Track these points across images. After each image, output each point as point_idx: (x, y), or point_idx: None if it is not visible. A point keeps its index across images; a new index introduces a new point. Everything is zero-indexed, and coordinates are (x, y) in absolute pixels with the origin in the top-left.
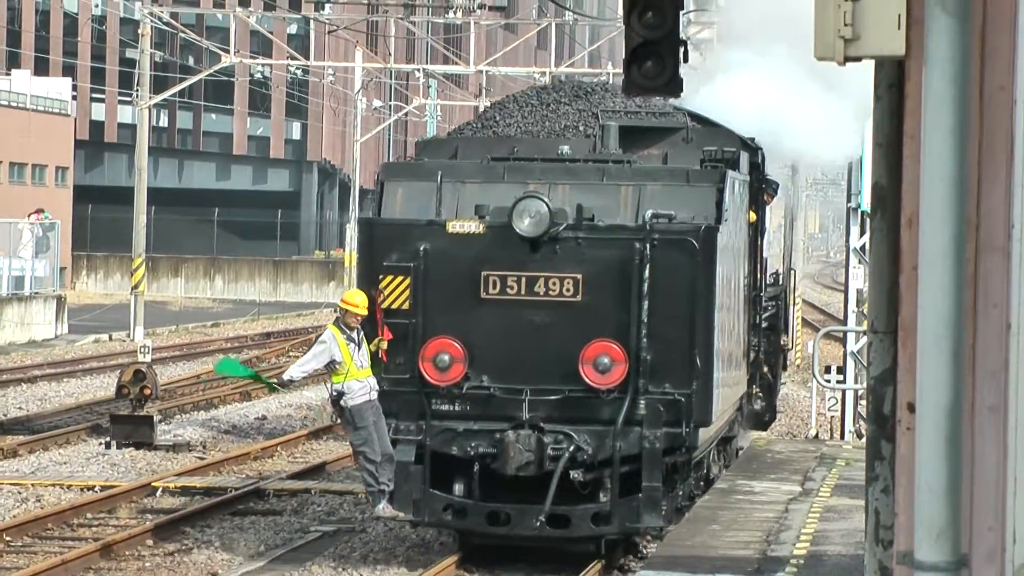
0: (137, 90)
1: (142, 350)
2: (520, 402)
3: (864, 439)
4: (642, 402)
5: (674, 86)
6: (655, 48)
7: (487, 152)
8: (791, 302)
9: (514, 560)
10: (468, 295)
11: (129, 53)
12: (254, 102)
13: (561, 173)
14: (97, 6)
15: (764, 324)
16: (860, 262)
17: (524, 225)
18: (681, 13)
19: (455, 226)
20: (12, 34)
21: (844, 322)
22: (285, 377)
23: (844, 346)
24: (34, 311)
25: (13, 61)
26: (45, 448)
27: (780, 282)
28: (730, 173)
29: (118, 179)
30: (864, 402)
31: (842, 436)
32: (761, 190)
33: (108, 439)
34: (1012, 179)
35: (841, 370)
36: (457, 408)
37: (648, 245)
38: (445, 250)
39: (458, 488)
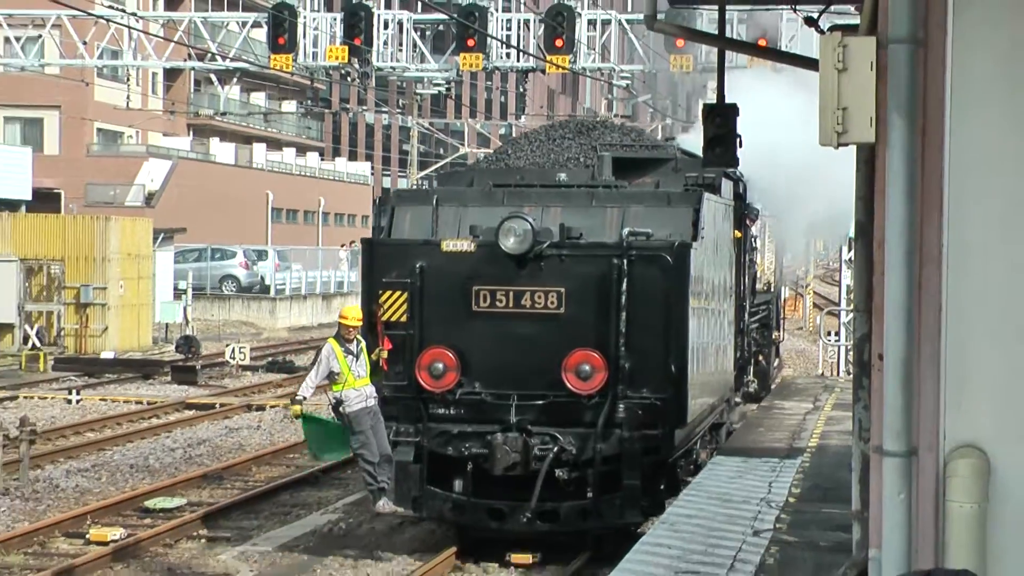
0: (409, 169)
1: None
2: (508, 407)
3: (852, 376)
4: (621, 406)
5: (734, 162)
6: (722, 139)
7: (496, 181)
8: (782, 305)
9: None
10: (461, 308)
11: (404, 146)
12: None
13: (555, 197)
14: (385, 119)
15: (756, 324)
16: (848, 268)
17: (509, 243)
18: (736, 117)
19: (449, 245)
20: (335, 136)
21: (839, 304)
22: (298, 397)
23: (839, 319)
24: (349, 303)
25: (336, 152)
26: None
27: (772, 289)
28: (708, 196)
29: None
30: (851, 353)
31: (838, 374)
32: (744, 214)
33: None
34: (942, 219)
35: (837, 333)
36: (451, 412)
37: (625, 261)
38: (440, 267)
39: (457, 485)
